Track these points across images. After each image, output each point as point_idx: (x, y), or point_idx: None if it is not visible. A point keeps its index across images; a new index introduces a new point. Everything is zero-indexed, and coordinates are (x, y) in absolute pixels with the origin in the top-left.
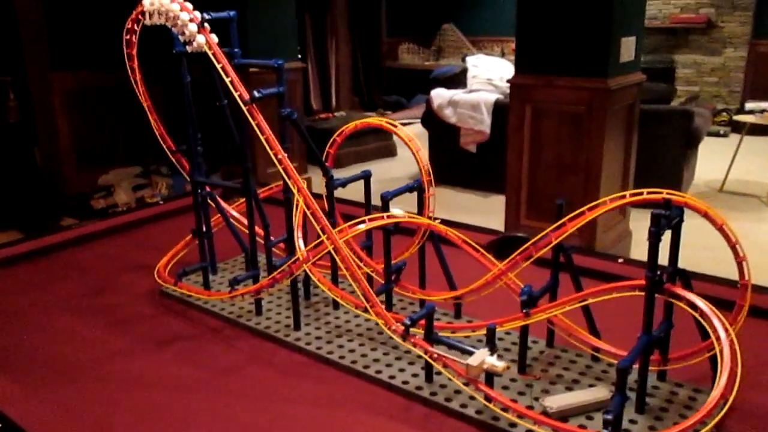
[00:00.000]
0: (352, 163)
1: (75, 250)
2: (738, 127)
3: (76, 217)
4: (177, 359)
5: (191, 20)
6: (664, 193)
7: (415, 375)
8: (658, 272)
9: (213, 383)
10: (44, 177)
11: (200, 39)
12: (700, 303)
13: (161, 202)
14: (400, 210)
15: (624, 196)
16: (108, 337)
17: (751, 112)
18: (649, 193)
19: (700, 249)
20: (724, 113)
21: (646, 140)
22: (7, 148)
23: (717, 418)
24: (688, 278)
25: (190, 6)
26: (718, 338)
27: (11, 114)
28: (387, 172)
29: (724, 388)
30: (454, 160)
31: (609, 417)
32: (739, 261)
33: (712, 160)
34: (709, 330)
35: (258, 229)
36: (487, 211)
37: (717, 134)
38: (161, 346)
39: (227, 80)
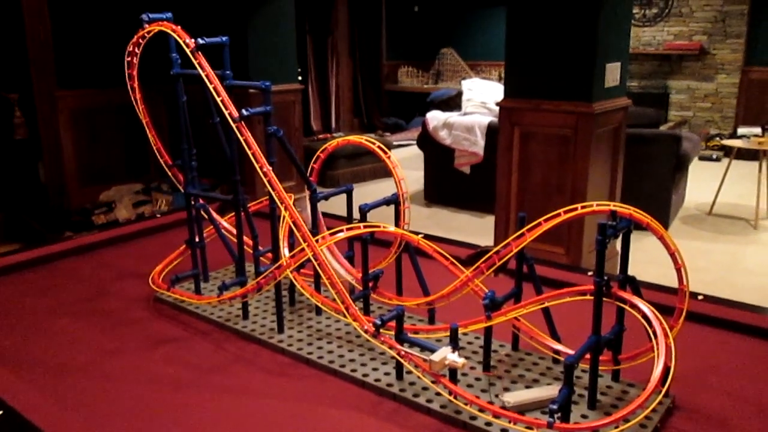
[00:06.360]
0: (349, 183)
1: (74, 260)
2: (729, 152)
3: (77, 231)
4: (168, 359)
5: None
6: (611, 206)
7: (386, 373)
8: (607, 278)
9: (200, 381)
10: (48, 192)
11: None
12: (642, 305)
13: (158, 216)
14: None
15: (576, 209)
16: (104, 338)
17: (742, 137)
18: (598, 205)
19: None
20: (717, 138)
21: (635, 163)
22: (12, 164)
23: (648, 410)
24: (637, 285)
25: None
26: (656, 336)
27: (18, 130)
28: (383, 192)
29: (657, 381)
30: (448, 181)
31: (554, 407)
32: (678, 268)
33: (704, 183)
34: (649, 330)
35: (247, 239)
36: (480, 231)
37: (710, 159)
38: (153, 346)
39: (218, 100)
